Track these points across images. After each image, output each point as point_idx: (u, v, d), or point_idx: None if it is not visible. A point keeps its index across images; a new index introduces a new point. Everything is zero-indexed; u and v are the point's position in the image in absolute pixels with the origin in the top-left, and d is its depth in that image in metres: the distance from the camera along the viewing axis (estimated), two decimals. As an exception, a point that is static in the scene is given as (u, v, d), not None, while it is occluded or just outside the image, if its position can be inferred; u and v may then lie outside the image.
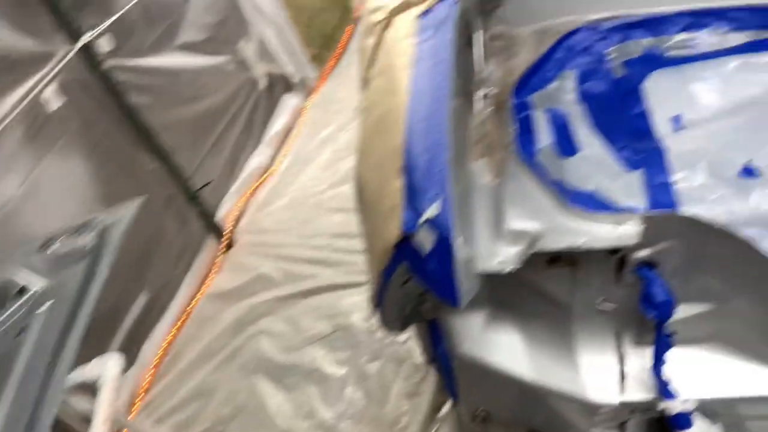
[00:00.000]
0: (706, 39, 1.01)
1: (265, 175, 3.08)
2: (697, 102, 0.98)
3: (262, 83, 3.15)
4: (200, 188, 2.73)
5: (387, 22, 1.26)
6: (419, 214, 0.89)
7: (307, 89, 3.39)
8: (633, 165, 0.94)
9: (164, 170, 2.53)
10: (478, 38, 1.15)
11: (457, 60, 1.06)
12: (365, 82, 1.34)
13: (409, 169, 0.95)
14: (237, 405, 2.27)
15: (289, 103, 3.28)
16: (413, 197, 0.92)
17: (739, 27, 1.00)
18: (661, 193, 0.88)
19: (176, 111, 2.59)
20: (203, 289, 2.74)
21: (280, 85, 3.29)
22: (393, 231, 0.93)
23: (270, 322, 2.52)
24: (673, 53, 1.02)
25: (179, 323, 2.63)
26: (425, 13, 1.17)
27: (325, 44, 3.48)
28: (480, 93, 1.12)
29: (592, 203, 0.88)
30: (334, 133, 3.18)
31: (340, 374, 2.26)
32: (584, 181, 0.94)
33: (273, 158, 3.16)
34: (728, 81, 0.98)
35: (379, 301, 1.00)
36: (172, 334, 2.59)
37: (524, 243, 0.85)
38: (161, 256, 2.62)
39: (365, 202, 1.11)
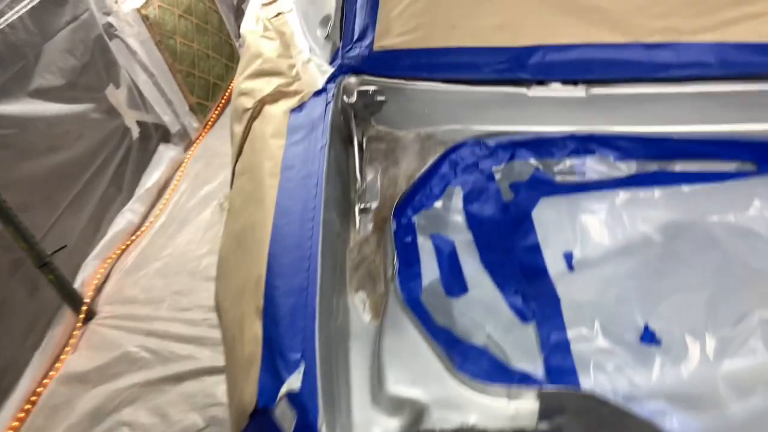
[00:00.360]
0: (593, 166, 0.95)
1: (134, 237, 2.77)
2: (587, 238, 0.91)
3: (135, 133, 2.86)
4: (53, 252, 2.39)
5: (256, 111, 1.10)
6: (279, 380, 0.72)
7: (186, 141, 3.13)
8: (526, 315, 0.84)
9: (9, 232, 2.20)
10: (356, 142, 1.02)
11: (330, 170, 0.92)
12: (233, 175, 1.17)
13: (270, 314, 0.79)
14: None
15: (165, 155, 3.00)
16: (273, 353, 0.75)
17: (625, 156, 0.95)
18: (558, 355, 0.78)
19: (26, 165, 2.26)
20: (55, 369, 2.38)
21: (157, 135, 3.02)
22: (249, 395, 0.75)
23: (134, 411, 2.20)
24: (561, 179, 0.95)
25: (24, 411, 2.25)
26: (298, 108, 1.03)
27: (208, 94, 3.25)
28: (358, 207, 0.98)
29: (484, 365, 0.77)
30: (217, 190, 2.93)
31: (211, 477, 2.01)
32: (474, 332, 0.82)
33: (145, 216, 2.86)
34: (618, 216, 0.92)
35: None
36: (14, 424, 2.22)
37: (407, 415, 0.71)
38: (5, 330, 2.26)
39: (225, 330, 0.93)
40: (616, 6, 1.00)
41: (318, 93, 1.03)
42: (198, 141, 3.19)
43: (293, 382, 0.70)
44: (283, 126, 1.00)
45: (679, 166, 0.96)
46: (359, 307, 0.87)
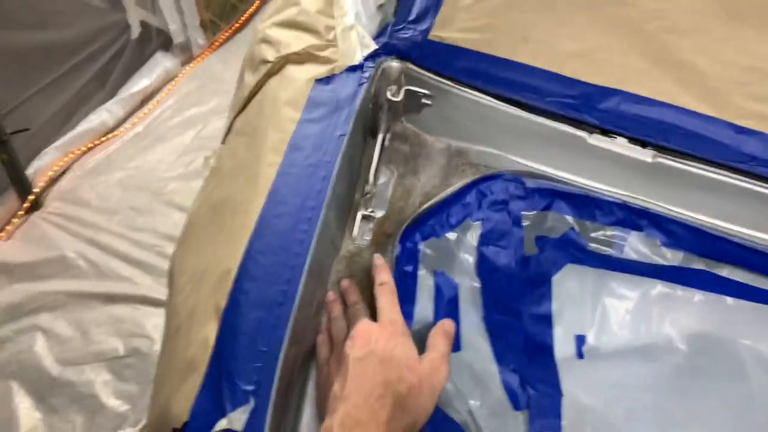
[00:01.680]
0: (636, 244, 0.83)
1: (104, 138, 2.57)
2: (606, 325, 0.80)
3: (135, 32, 2.64)
4: (13, 132, 2.19)
5: (277, 67, 0.94)
6: (220, 409, 0.59)
7: (187, 55, 2.91)
8: (519, 402, 0.72)
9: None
10: (380, 138, 0.87)
11: (343, 163, 0.77)
12: (228, 129, 1.01)
13: (230, 322, 0.65)
14: (-23, 413, 1.82)
15: (161, 63, 2.78)
16: (221, 373, 0.62)
17: (674, 244, 0.83)
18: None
19: (4, 34, 2.04)
20: (-18, 255, 2.20)
21: (157, 41, 2.79)
22: (178, 409, 0.62)
23: (53, 319, 2.05)
24: (595, 247, 0.82)
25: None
26: (325, 79, 0.87)
27: (224, 13, 3.02)
28: (362, 212, 0.84)
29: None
30: (205, 115, 2.74)
31: (118, 410, 1.88)
32: (455, 402, 0.70)
33: (121, 121, 2.65)
34: (647, 310, 0.81)
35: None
36: None
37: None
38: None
39: (172, 307, 0.79)
40: (714, 71, 0.86)
41: (353, 69, 0.87)
42: (199, 59, 2.99)
43: (236, 419, 0.57)
44: (303, 96, 0.84)
45: (726, 272, 0.84)
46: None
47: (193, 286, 0.74)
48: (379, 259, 0.78)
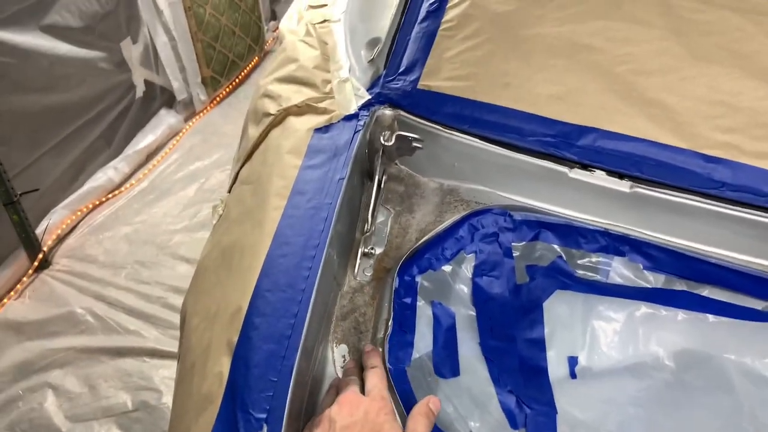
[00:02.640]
0: (619, 269, 0.88)
1: (110, 195, 2.65)
2: (596, 346, 0.84)
3: (140, 91, 2.75)
4: (23, 193, 2.27)
5: (278, 119, 1.01)
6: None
7: (190, 111, 3.03)
8: (516, 420, 0.76)
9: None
10: (377, 180, 0.93)
11: (343, 204, 0.83)
12: (235, 178, 1.08)
13: (242, 356, 0.70)
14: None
15: (165, 120, 2.89)
16: (236, 404, 0.66)
17: (655, 267, 0.89)
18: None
19: (17, 99, 2.14)
20: (-6, 312, 2.25)
21: (161, 99, 2.91)
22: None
23: (63, 376, 2.09)
24: (582, 273, 0.88)
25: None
26: (323, 128, 0.94)
27: (224, 70, 3.15)
28: (362, 249, 0.90)
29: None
30: (208, 168, 2.83)
31: (126, 466, 1.89)
32: (456, 424, 0.74)
33: (127, 178, 2.74)
34: (633, 330, 0.86)
35: None
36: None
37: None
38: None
39: (186, 349, 0.84)
40: (682, 107, 0.93)
41: (349, 118, 0.94)
42: (201, 114, 3.10)
43: None
44: (304, 144, 0.91)
45: (707, 291, 0.89)
46: (338, 362, 0.79)
47: (207, 326, 0.79)
48: (368, 346, 0.79)
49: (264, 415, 0.63)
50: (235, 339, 0.71)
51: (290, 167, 0.89)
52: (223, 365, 0.70)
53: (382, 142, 0.92)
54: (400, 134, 0.92)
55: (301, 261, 0.76)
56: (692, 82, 0.97)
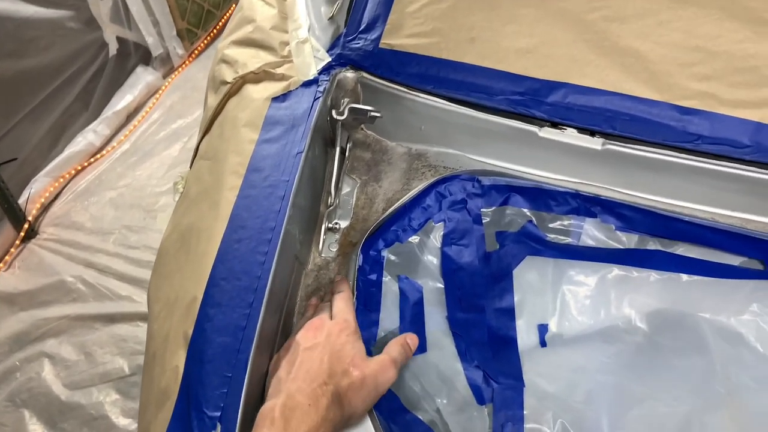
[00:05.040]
0: (591, 231, 0.85)
1: (92, 159, 2.61)
2: (567, 312, 0.82)
3: (113, 49, 2.66)
4: (2, 163, 2.23)
5: (235, 87, 0.96)
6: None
7: (168, 67, 2.94)
8: (484, 396, 0.75)
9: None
10: (339, 149, 0.89)
11: (302, 179, 0.80)
12: (196, 151, 1.04)
13: (196, 350, 0.68)
14: (-7, 446, 1.88)
15: (142, 78, 2.81)
16: (190, 401, 0.65)
17: (628, 227, 0.86)
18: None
19: (-16, 67, 2.07)
20: (-17, 286, 2.25)
21: (136, 56, 2.81)
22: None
23: (58, 344, 2.10)
24: (553, 237, 0.85)
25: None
26: (281, 97, 0.89)
27: (200, 21, 3.04)
28: (326, 225, 0.87)
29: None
30: (190, 126, 2.77)
31: (128, 429, 1.92)
32: (423, 403, 0.73)
33: (108, 140, 2.69)
34: (605, 294, 0.83)
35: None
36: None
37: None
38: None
39: (150, 336, 0.82)
40: (656, 55, 0.88)
41: (308, 84, 0.89)
42: (180, 69, 3.01)
43: None
44: (260, 116, 0.86)
45: (682, 249, 0.87)
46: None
47: (166, 314, 0.77)
48: (338, 276, 0.82)
49: (218, 413, 0.62)
50: (191, 331, 0.69)
51: (246, 142, 0.85)
52: (179, 359, 0.68)
53: (335, 116, 0.87)
54: (353, 107, 0.87)
55: (257, 246, 0.73)
56: (669, 26, 0.91)
